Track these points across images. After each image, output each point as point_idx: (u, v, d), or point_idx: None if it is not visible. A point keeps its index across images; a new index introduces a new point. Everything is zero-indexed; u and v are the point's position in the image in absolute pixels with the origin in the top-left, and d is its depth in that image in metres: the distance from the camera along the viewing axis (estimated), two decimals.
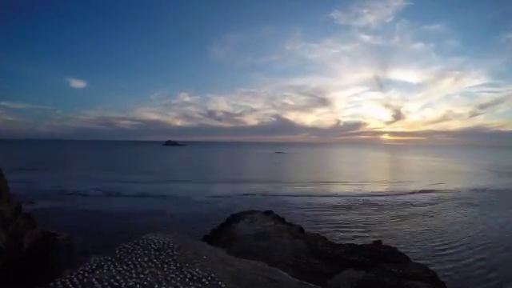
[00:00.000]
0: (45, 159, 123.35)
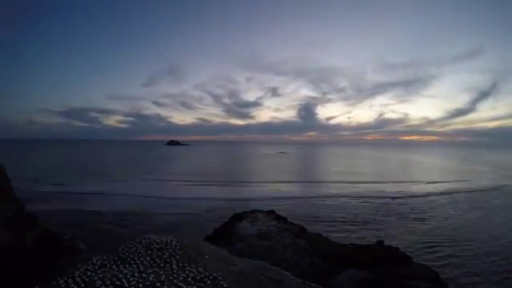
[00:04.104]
0: (41, 160, 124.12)
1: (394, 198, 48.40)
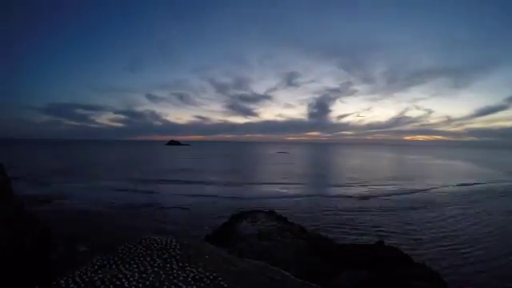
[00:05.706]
0: (40, 160, 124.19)
1: (395, 195, 48.43)
